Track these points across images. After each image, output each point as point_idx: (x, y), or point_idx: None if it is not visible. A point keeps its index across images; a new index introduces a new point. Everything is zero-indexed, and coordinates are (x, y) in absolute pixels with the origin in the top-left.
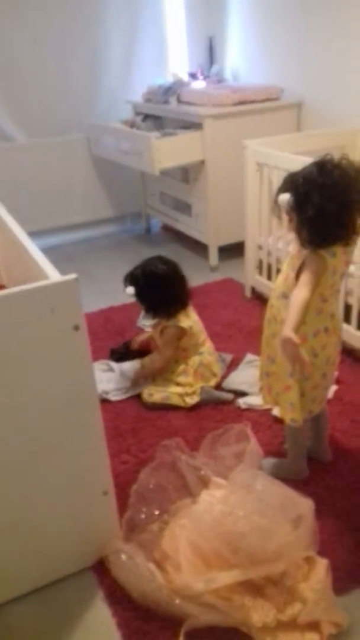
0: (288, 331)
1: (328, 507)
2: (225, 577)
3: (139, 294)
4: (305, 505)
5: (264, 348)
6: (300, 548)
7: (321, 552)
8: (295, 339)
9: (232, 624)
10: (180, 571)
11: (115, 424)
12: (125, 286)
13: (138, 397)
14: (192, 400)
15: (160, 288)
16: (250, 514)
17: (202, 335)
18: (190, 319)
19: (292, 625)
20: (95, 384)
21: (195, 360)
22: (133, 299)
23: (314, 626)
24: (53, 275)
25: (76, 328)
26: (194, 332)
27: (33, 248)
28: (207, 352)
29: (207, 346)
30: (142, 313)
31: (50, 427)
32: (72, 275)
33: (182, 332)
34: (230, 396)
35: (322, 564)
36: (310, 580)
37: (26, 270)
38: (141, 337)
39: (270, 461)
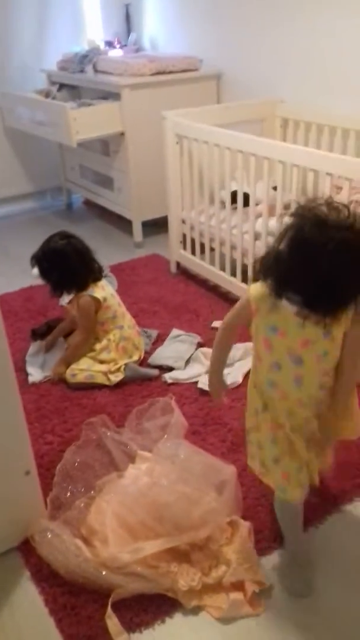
0: None
1: (252, 473)
2: (151, 547)
3: (42, 274)
4: (228, 471)
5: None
6: (224, 513)
7: (246, 516)
8: None
9: (159, 590)
10: (107, 545)
11: (39, 405)
12: (32, 267)
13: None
14: (116, 378)
15: (61, 264)
16: (174, 484)
17: (119, 308)
18: (104, 291)
19: (217, 587)
20: (9, 359)
21: (116, 334)
22: (40, 280)
23: (238, 586)
24: None
25: None
26: (110, 305)
27: None
28: (127, 326)
29: (127, 319)
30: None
31: None
32: None
33: (97, 303)
34: (155, 372)
35: (244, 526)
36: (234, 543)
37: None
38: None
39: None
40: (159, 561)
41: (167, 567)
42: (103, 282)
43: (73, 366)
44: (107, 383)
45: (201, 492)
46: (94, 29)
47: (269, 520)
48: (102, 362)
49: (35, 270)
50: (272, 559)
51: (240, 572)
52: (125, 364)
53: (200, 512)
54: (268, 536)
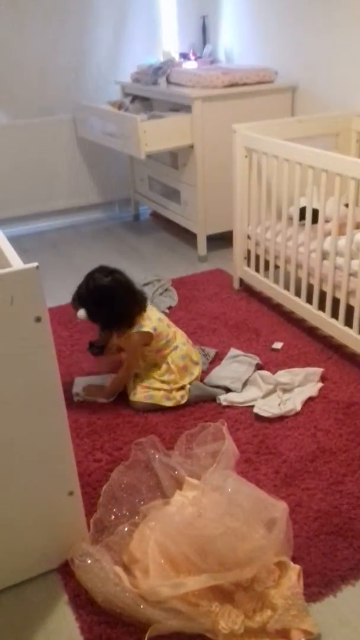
0: None
1: (306, 509)
2: (193, 583)
3: (90, 315)
4: (279, 508)
5: None
6: (272, 552)
7: (296, 556)
8: None
9: (198, 630)
10: (148, 575)
11: (91, 420)
12: (75, 310)
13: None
14: (182, 399)
15: (110, 302)
16: (221, 517)
17: (170, 329)
18: (152, 321)
19: (260, 632)
20: (58, 378)
21: (173, 355)
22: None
23: (283, 634)
24: (16, 263)
25: (38, 319)
26: (161, 331)
27: None
28: (181, 343)
29: (179, 336)
30: None
31: (11, 424)
32: (33, 264)
33: (148, 336)
34: (221, 391)
35: (294, 569)
36: (281, 586)
37: None
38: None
39: None
40: (200, 599)
41: (208, 606)
42: (148, 310)
43: (137, 386)
44: (167, 404)
45: (249, 527)
46: (169, 40)
47: (320, 564)
48: (163, 382)
49: (82, 312)
50: (321, 607)
51: (287, 619)
52: (190, 383)
53: (246, 549)
54: (319, 581)
